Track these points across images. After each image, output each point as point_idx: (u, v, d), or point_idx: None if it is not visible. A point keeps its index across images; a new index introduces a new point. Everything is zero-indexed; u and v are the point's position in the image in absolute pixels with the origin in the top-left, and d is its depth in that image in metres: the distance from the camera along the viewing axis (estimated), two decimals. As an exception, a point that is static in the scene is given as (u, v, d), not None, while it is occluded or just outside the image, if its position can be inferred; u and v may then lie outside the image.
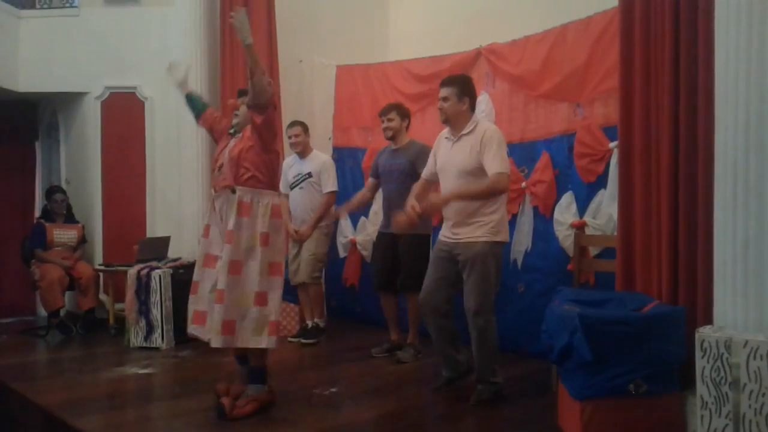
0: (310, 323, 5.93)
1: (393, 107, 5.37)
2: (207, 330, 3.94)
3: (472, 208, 4.09)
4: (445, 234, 4.26)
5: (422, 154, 5.00)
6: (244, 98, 4.06)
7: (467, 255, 4.09)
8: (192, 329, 4.06)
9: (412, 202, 4.15)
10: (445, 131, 4.35)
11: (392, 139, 5.33)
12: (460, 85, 4.22)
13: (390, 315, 5.47)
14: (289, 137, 5.96)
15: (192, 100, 4.54)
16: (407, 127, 5.39)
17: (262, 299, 3.89)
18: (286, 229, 4.54)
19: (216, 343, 3.82)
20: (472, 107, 4.28)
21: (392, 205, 5.08)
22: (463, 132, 4.18)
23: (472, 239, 4.08)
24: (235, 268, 3.84)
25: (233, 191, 3.92)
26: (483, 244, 4.06)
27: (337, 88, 7.06)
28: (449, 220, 4.22)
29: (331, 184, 5.82)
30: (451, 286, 4.23)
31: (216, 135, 4.40)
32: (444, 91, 4.21)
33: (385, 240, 5.33)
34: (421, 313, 4.43)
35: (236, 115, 4.13)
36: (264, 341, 3.90)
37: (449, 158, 4.22)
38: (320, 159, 5.94)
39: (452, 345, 4.33)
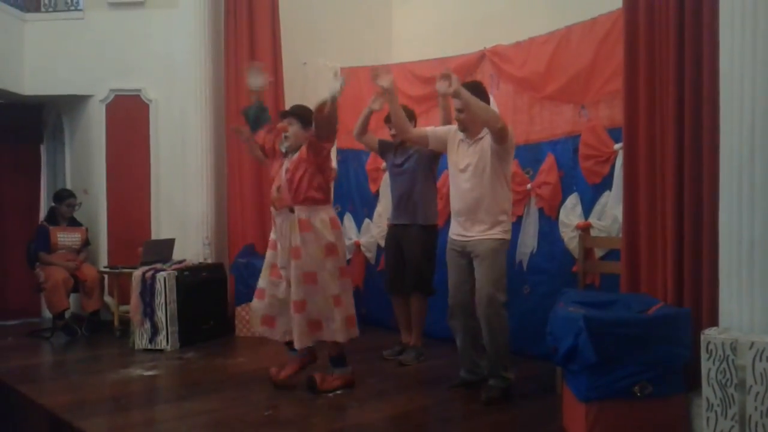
0: None
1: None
2: (280, 333, 4.48)
3: (483, 206, 4.20)
4: (456, 233, 4.36)
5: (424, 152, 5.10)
6: (290, 119, 4.43)
7: (479, 251, 4.20)
8: (262, 330, 4.55)
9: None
10: (460, 132, 4.39)
11: (400, 142, 5.28)
12: (475, 93, 4.19)
13: (401, 317, 5.44)
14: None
15: (264, 110, 4.76)
16: (414, 126, 5.34)
17: (339, 301, 4.34)
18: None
19: (305, 342, 4.30)
20: None
21: (404, 200, 5.21)
22: (479, 136, 4.28)
23: (484, 236, 4.20)
24: (310, 278, 4.27)
25: (291, 210, 4.31)
26: (493, 240, 4.19)
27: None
28: (460, 218, 4.31)
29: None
30: (474, 285, 4.30)
31: (267, 152, 4.67)
32: (458, 103, 4.22)
33: (394, 234, 5.33)
34: (449, 315, 4.43)
35: (287, 137, 4.42)
36: (351, 333, 4.44)
37: (466, 158, 4.30)
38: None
39: (475, 348, 4.39)
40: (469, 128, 4.29)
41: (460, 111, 4.25)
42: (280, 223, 4.39)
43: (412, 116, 5.34)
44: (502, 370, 4.24)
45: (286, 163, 4.40)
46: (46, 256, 6.48)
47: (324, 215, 4.38)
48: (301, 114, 4.49)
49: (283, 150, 4.46)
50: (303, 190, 4.31)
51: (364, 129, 5.11)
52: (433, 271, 5.18)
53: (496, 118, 4.13)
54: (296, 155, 4.38)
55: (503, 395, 4.21)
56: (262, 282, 4.54)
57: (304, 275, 4.26)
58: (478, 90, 4.31)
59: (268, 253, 4.55)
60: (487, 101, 4.35)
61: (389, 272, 5.41)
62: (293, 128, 4.41)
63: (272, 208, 4.50)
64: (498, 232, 4.21)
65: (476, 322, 4.29)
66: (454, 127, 4.47)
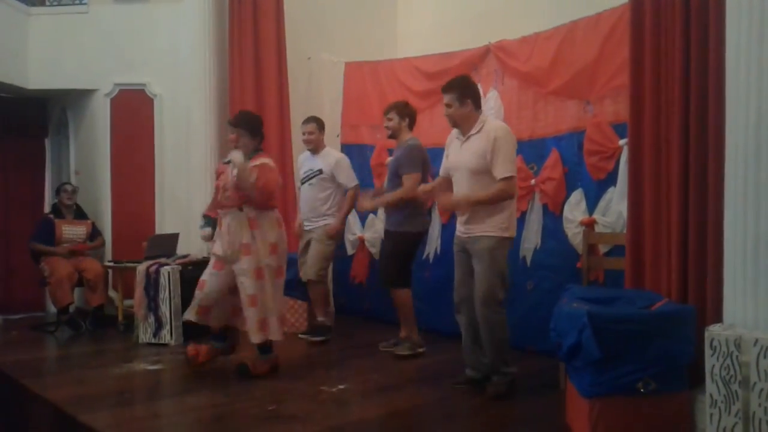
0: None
1: (392, 107, 5.38)
2: (215, 320, 4.81)
3: (482, 205, 4.18)
4: (459, 230, 4.36)
5: (407, 152, 5.18)
6: (239, 130, 4.69)
7: (477, 248, 4.19)
8: (197, 319, 4.79)
9: (423, 187, 4.57)
10: (455, 131, 4.40)
11: (393, 137, 5.40)
12: (459, 88, 4.26)
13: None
14: (303, 134, 5.91)
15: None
16: (409, 125, 5.35)
17: (274, 299, 4.70)
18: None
19: (256, 339, 4.62)
20: (477, 105, 4.31)
21: None
22: (471, 132, 4.24)
23: (481, 233, 4.18)
24: (260, 274, 4.58)
25: (240, 209, 4.61)
26: (490, 238, 4.15)
27: (346, 85, 7.06)
28: (461, 217, 4.32)
29: (351, 179, 5.80)
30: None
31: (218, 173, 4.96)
32: (446, 98, 4.27)
33: (384, 235, 5.50)
34: (455, 310, 4.43)
35: (238, 147, 4.63)
36: (282, 332, 4.78)
37: (460, 158, 4.29)
38: (333, 157, 5.87)
39: (479, 344, 4.35)
40: (459, 123, 4.29)
41: (448, 106, 4.27)
42: (228, 222, 4.64)
43: (407, 113, 5.35)
44: (503, 365, 4.24)
45: (233, 171, 4.57)
46: (39, 246, 6.48)
47: (271, 214, 4.71)
48: (248, 124, 4.73)
49: (226, 161, 4.74)
50: (242, 195, 4.59)
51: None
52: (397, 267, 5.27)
53: (500, 195, 4.12)
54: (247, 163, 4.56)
55: (509, 389, 4.21)
56: (204, 274, 4.81)
57: (256, 271, 4.57)
58: (465, 86, 4.30)
59: (214, 247, 4.83)
60: (477, 96, 4.33)
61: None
62: (243, 140, 4.66)
63: (219, 210, 4.77)
64: (495, 230, 4.16)
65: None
66: (451, 134, 4.47)
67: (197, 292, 4.78)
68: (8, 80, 6.72)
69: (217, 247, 4.73)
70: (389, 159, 5.54)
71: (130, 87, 6.92)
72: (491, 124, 4.24)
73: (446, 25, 7.00)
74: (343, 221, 5.91)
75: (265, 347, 4.73)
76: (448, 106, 4.26)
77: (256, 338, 4.61)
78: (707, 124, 3.53)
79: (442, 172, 4.56)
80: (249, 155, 4.60)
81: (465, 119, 4.25)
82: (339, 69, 7.08)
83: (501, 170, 4.07)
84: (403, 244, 5.25)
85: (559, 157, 5.09)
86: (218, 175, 4.91)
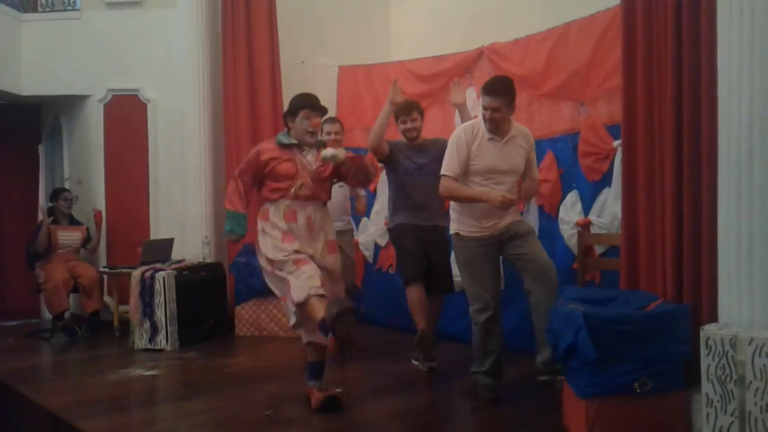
0: None
1: (414, 106, 5.10)
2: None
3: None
4: (478, 228, 4.24)
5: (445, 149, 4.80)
6: (322, 112, 4.24)
7: (523, 229, 4.28)
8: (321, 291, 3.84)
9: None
10: (479, 129, 4.21)
11: (415, 139, 5.09)
12: (509, 93, 4.12)
13: (426, 307, 5.00)
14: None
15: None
16: (421, 120, 5.14)
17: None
18: None
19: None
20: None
21: (422, 202, 4.97)
22: (511, 134, 4.23)
23: (517, 219, 4.36)
24: (342, 276, 4.24)
25: (324, 203, 4.20)
26: (525, 222, 4.49)
27: (340, 88, 7.07)
28: (485, 215, 4.20)
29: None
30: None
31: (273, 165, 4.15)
32: (493, 102, 4.07)
33: (416, 231, 5.01)
34: (487, 316, 4.20)
35: (314, 132, 4.17)
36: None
37: (504, 160, 4.19)
38: None
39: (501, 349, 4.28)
40: (500, 127, 4.17)
41: (496, 110, 4.07)
42: (309, 214, 4.07)
43: (421, 111, 5.15)
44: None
45: (308, 157, 4.14)
46: (40, 243, 6.48)
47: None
48: (326, 110, 4.37)
49: (288, 140, 4.17)
50: (327, 187, 4.23)
51: (384, 131, 4.94)
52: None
53: (538, 191, 4.74)
54: (315, 152, 4.16)
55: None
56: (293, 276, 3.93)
57: (340, 274, 4.21)
58: (514, 92, 4.18)
59: (287, 246, 3.99)
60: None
61: (415, 260, 4.98)
62: (316, 120, 4.21)
63: (289, 202, 4.07)
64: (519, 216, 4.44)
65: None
66: (467, 133, 4.22)
67: (296, 271, 3.90)
68: (1, 86, 6.70)
69: (289, 249, 3.97)
70: (405, 158, 5.06)
71: (124, 92, 6.91)
72: (522, 128, 4.37)
73: (439, 28, 7.01)
74: None
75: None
76: (496, 110, 4.07)
77: None
78: (700, 124, 3.54)
79: (454, 172, 4.23)
80: (318, 143, 4.21)
81: (507, 122, 4.20)
82: (333, 72, 7.08)
83: (536, 171, 4.53)
84: (396, 236, 5.08)
85: (554, 159, 5.11)
86: (262, 159, 4.12)
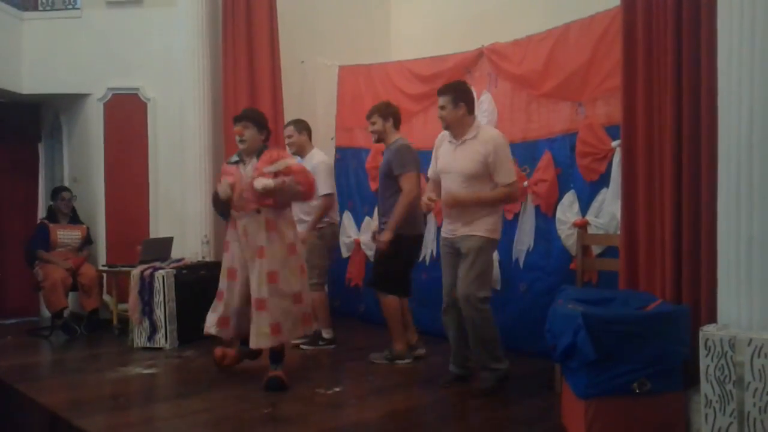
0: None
1: (373, 110, 5.21)
2: (233, 331, 4.68)
3: (473, 208, 4.27)
4: (445, 230, 4.45)
5: (396, 154, 5.01)
6: (245, 123, 4.51)
7: (464, 246, 4.29)
8: (216, 332, 4.69)
9: (429, 195, 4.45)
10: (447, 133, 4.45)
11: (380, 141, 5.24)
12: (454, 92, 4.35)
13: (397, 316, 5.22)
14: (285, 137, 5.82)
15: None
16: (395, 125, 5.19)
17: (299, 298, 4.51)
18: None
19: (266, 343, 4.42)
20: (470, 110, 4.39)
21: (379, 206, 5.28)
22: (467, 137, 4.31)
23: (470, 233, 4.27)
24: (273, 277, 4.39)
25: (258, 211, 4.42)
26: (479, 238, 4.25)
27: (340, 88, 7.08)
28: (449, 218, 4.40)
29: (324, 186, 5.48)
30: None
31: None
32: (440, 100, 4.37)
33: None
34: (443, 311, 4.50)
35: (243, 141, 4.52)
36: (306, 330, 4.73)
37: (453, 162, 4.35)
38: (314, 160, 5.67)
39: (466, 343, 4.42)
40: (452, 126, 4.37)
41: (441, 108, 4.36)
42: (243, 225, 4.47)
43: (390, 114, 5.20)
44: (491, 362, 4.29)
45: (247, 169, 4.48)
46: (44, 254, 6.48)
47: (288, 214, 4.58)
48: (255, 118, 4.58)
49: (237, 158, 4.59)
50: (260, 196, 4.37)
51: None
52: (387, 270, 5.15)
53: (508, 197, 4.36)
54: (255, 161, 4.47)
55: (496, 385, 4.27)
56: (221, 285, 4.70)
57: (269, 274, 4.38)
58: (460, 90, 4.39)
59: (225, 257, 4.69)
60: (471, 101, 4.40)
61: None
62: (249, 132, 4.50)
63: (233, 212, 4.55)
64: (483, 231, 4.25)
65: None
66: (440, 136, 4.56)
67: (216, 303, 4.71)
68: (1, 85, 6.70)
69: (228, 258, 4.62)
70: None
71: (124, 91, 6.90)
72: (489, 132, 4.36)
73: (439, 29, 7.01)
74: (311, 229, 5.57)
75: (279, 355, 4.53)
76: (442, 108, 4.36)
77: (265, 342, 4.40)
78: (700, 125, 3.55)
79: (430, 174, 4.62)
80: (257, 150, 4.51)
81: (458, 122, 4.33)
82: (333, 72, 7.09)
83: (506, 176, 4.24)
84: (398, 247, 5.02)
85: (552, 159, 5.11)
86: (223, 175, 4.65)
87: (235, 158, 4.63)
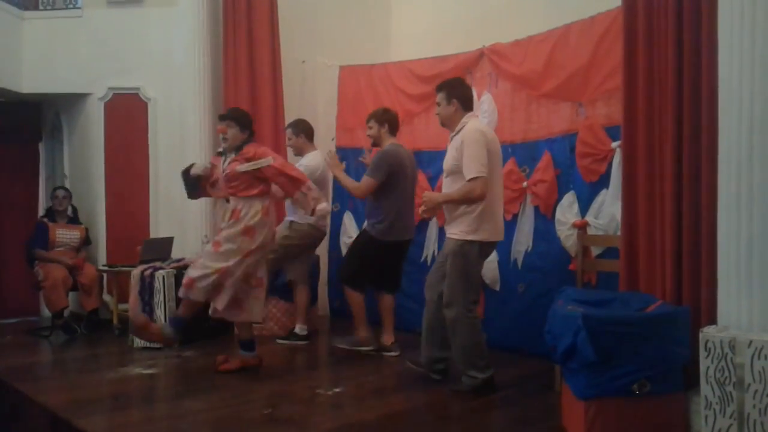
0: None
1: (371, 115, 5.41)
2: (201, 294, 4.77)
3: (454, 206, 4.27)
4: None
5: (376, 157, 5.27)
6: (228, 122, 4.80)
7: (445, 249, 4.35)
8: (182, 293, 4.82)
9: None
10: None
11: (376, 145, 5.45)
12: (447, 88, 4.42)
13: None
14: (286, 140, 6.04)
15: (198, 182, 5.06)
16: (390, 131, 5.34)
17: (222, 271, 4.67)
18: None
19: (179, 292, 4.84)
20: (465, 107, 4.40)
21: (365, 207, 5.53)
22: (454, 133, 4.37)
23: (450, 235, 4.31)
24: (216, 245, 4.70)
25: (227, 200, 4.76)
26: (454, 241, 4.26)
27: (340, 88, 7.07)
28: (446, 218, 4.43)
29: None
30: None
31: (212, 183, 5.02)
32: (437, 97, 4.46)
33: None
34: (425, 304, 4.55)
35: (225, 139, 4.83)
36: (203, 298, 4.81)
37: (445, 160, 4.39)
38: (303, 161, 5.77)
39: (432, 342, 4.49)
40: (446, 123, 4.45)
41: (437, 105, 4.45)
42: (228, 208, 4.77)
43: (386, 119, 5.34)
44: (470, 369, 4.27)
45: (225, 163, 4.80)
46: (42, 253, 6.47)
47: (256, 203, 4.71)
48: (238, 118, 4.83)
49: (221, 151, 4.90)
50: (237, 184, 4.69)
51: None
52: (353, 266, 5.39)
53: (467, 195, 4.13)
54: (234, 155, 4.76)
55: (472, 392, 4.26)
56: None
57: (215, 242, 4.72)
58: (453, 86, 4.43)
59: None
60: (465, 98, 4.41)
61: None
62: (231, 131, 4.78)
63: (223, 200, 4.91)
64: (459, 232, 4.24)
65: (439, 314, 4.38)
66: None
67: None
68: (2, 84, 6.69)
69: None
70: None
71: (124, 91, 6.89)
72: (468, 126, 4.28)
73: (440, 29, 7.01)
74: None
75: (249, 343, 4.82)
76: (438, 105, 4.44)
77: (180, 291, 4.79)
78: (700, 126, 3.55)
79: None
80: (237, 147, 4.76)
81: (450, 119, 4.40)
82: (333, 72, 7.09)
83: (469, 170, 4.11)
84: (365, 245, 5.33)
85: (551, 160, 5.11)
86: (214, 166, 4.98)
87: (220, 150, 4.96)
